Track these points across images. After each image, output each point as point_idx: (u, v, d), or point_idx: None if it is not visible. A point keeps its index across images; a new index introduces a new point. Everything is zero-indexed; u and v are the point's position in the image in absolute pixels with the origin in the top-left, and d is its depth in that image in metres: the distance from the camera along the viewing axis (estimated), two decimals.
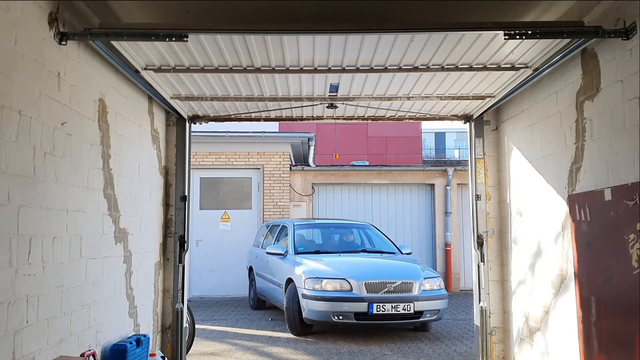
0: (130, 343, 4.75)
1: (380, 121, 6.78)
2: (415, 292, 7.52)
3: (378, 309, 7.31)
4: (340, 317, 7.35)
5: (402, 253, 9.08)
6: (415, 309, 7.44)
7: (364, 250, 9.18)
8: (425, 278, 7.78)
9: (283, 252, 8.80)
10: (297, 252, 8.74)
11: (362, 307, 7.32)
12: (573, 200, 4.44)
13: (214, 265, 12.30)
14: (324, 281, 7.54)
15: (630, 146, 3.67)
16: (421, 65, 4.82)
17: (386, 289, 7.46)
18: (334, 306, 7.35)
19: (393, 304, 7.36)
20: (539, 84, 5.14)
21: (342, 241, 9.77)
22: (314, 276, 7.64)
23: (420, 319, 7.63)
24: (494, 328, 6.16)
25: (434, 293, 7.72)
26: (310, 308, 7.53)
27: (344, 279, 7.51)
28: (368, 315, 7.33)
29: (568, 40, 4.12)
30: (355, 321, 7.35)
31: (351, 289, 7.43)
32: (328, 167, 13.49)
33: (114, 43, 4.18)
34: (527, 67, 4.81)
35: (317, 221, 10.58)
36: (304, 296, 7.61)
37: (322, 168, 13.37)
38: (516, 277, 5.85)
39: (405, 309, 7.39)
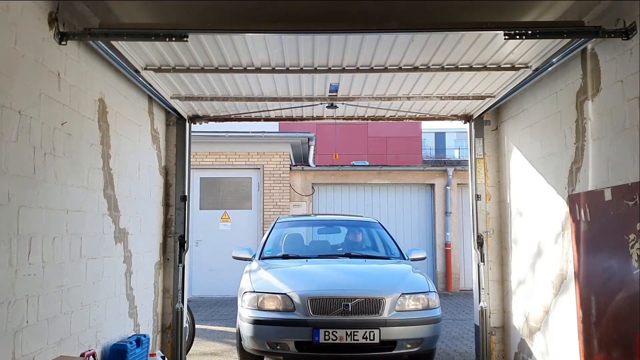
0: (130, 343, 4.75)
1: (380, 121, 6.78)
2: (385, 313, 5.30)
3: (326, 337, 5.18)
4: (278, 347, 5.35)
5: (405, 258, 6.68)
6: (383, 338, 5.20)
7: (348, 255, 6.72)
8: (404, 293, 5.45)
9: (250, 257, 6.72)
10: (261, 257, 6.71)
11: (304, 333, 5.23)
12: (573, 200, 4.44)
13: (214, 265, 12.29)
14: (262, 297, 5.48)
15: (630, 146, 3.67)
16: (421, 65, 4.82)
17: (340, 309, 5.28)
18: (269, 332, 5.36)
19: (348, 330, 5.20)
20: (539, 84, 5.14)
21: (328, 242, 7.78)
22: (252, 290, 5.61)
23: (395, 351, 5.35)
24: (494, 328, 6.16)
25: (417, 315, 5.41)
26: (245, 333, 5.53)
27: (285, 294, 5.41)
28: (313, 344, 5.22)
29: (568, 40, 4.13)
30: (297, 352, 5.33)
31: (293, 309, 5.34)
32: (328, 167, 13.49)
33: (114, 43, 4.18)
34: (527, 67, 4.81)
35: (309, 218, 9.01)
36: (241, 317, 5.64)
37: (322, 168, 13.37)
38: (516, 277, 5.85)
39: (366, 338, 5.20)
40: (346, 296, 5.34)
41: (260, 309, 5.45)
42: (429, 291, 5.63)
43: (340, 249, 7.15)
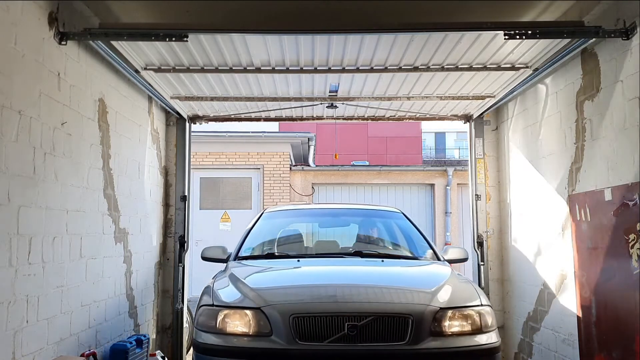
0: (130, 343, 4.75)
1: (380, 121, 6.78)
2: (414, 339, 3.33)
3: None
4: None
5: (440, 259, 4.63)
6: None
7: (358, 253, 4.68)
8: (444, 308, 3.47)
9: (224, 257, 4.86)
10: (238, 257, 4.77)
11: None
12: (573, 200, 4.44)
13: (214, 265, 12.28)
14: (223, 314, 3.55)
15: (630, 146, 3.67)
16: (421, 65, 4.82)
17: (343, 333, 3.31)
18: None
19: None
20: (539, 84, 5.14)
21: (332, 238, 5.75)
22: (210, 303, 3.71)
23: None
24: None
25: (465, 342, 3.45)
26: None
27: (258, 309, 3.47)
28: None
29: (568, 40, 4.13)
30: None
31: (270, 332, 3.40)
32: (328, 167, 13.49)
33: (114, 43, 4.18)
34: (527, 67, 4.81)
35: (307, 207, 6.83)
36: (194, 343, 3.71)
37: (322, 168, 13.37)
38: (516, 277, 5.85)
39: None
40: (352, 312, 3.37)
41: (220, 331, 3.50)
42: (482, 304, 3.58)
43: (350, 247, 5.06)
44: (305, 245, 5.36)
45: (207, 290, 3.96)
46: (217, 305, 3.63)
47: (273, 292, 3.72)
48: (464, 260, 4.80)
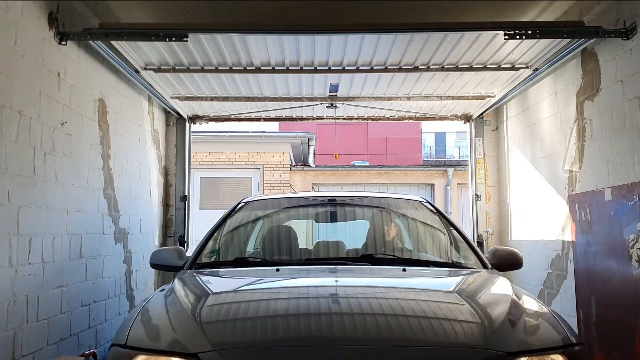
0: None
1: (380, 121, 6.78)
2: None
3: None
4: None
5: (488, 266, 3.07)
6: None
7: (367, 258, 3.17)
8: (515, 353, 1.93)
9: (180, 264, 3.20)
10: (193, 266, 3.13)
11: None
12: (573, 200, 4.44)
13: None
14: None
15: (630, 146, 3.67)
16: (421, 65, 4.82)
17: None
18: None
19: None
20: (539, 84, 5.14)
21: (331, 238, 3.99)
22: (122, 342, 2.14)
23: None
24: None
25: None
26: None
27: (192, 355, 1.91)
28: None
29: (568, 40, 4.13)
30: None
31: None
32: (328, 167, 13.51)
33: (114, 43, 4.18)
34: (527, 67, 4.81)
35: (299, 195, 4.46)
36: None
37: (322, 168, 13.39)
38: (516, 276, 5.85)
39: None
40: None
41: None
42: (572, 344, 2.08)
43: (356, 249, 3.55)
44: (291, 247, 3.73)
45: (127, 320, 2.41)
46: (131, 347, 2.16)
47: (223, 326, 2.18)
48: (519, 266, 3.28)
